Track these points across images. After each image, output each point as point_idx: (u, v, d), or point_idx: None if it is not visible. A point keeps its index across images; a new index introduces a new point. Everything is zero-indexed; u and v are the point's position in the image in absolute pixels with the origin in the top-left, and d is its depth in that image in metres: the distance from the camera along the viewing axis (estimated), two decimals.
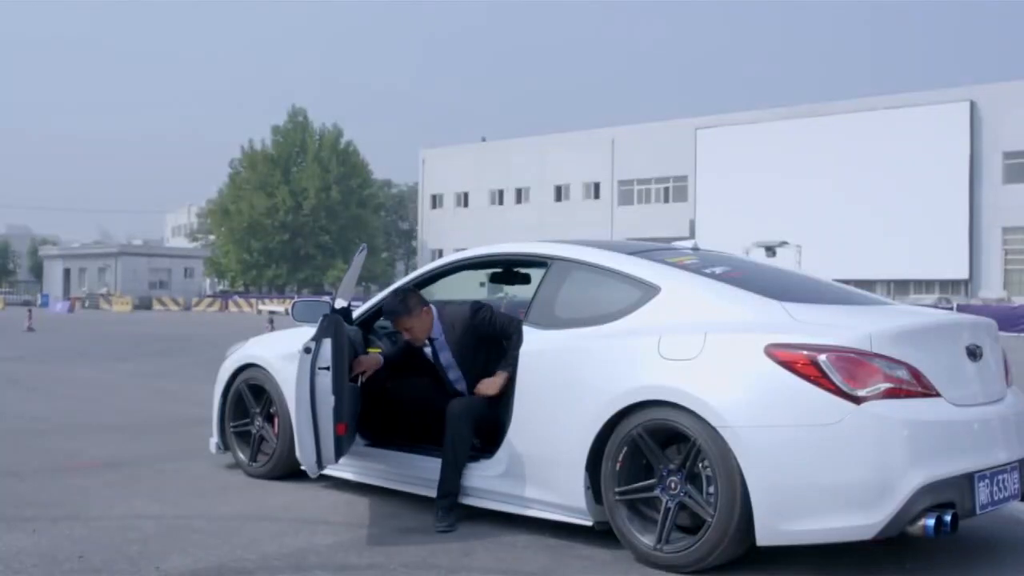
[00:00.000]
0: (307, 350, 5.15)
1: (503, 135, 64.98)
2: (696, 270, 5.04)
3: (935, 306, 31.44)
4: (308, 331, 6.48)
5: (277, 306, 58.13)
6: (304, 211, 77.07)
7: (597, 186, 69.36)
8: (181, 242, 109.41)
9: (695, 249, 5.66)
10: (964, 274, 53.85)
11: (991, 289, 52.65)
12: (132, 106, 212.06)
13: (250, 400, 6.76)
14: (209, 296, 75.03)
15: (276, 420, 6.57)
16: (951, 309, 32.30)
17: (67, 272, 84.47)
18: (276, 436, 6.55)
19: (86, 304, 70.16)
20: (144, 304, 68.69)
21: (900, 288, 53.32)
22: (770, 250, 38.85)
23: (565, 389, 4.88)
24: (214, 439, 7.04)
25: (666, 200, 66.37)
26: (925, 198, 53.11)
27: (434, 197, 78.74)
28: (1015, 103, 52.50)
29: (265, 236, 77.14)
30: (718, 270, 5.05)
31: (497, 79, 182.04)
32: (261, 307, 59.56)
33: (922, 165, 53.32)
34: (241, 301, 66.16)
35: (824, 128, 57.26)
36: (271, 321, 29.23)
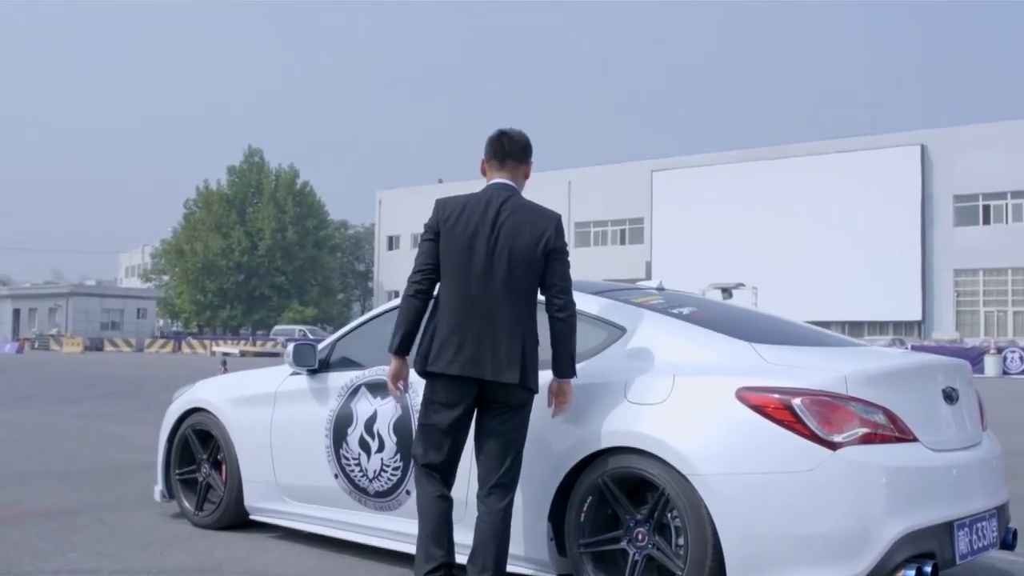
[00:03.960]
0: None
1: (460, 176, 64.83)
2: (662, 311, 4.85)
3: (890, 347, 31.54)
4: (258, 374, 6.27)
5: (231, 347, 57.52)
6: (259, 252, 76.71)
7: None
8: (135, 283, 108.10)
9: (660, 289, 5.48)
10: (917, 315, 54.35)
11: (944, 330, 53.14)
12: (87, 146, 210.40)
13: (197, 446, 6.49)
14: (162, 337, 74.03)
15: (224, 467, 6.29)
16: (905, 350, 32.43)
17: (17, 312, 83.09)
18: (224, 484, 6.27)
19: (36, 345, 68.95)
20: (95, 345, 67.56)
21: (854, 329, 53.67)
22: (726, 291, 38.86)
23: (528, 434, 4.66)
24: (159, 487, 6.75)
25: (622, 242, 66.67)
26: (879, 240, 53.71)
27: (390, 238, 78.58)
28: (964, 147, 53.43)
29: (220, 277, 76.65)
30: (685, 311, 4.86)
31: (454, 120, 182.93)
32: (215, 348, 58.78)
33: (875, 208, 53.97)
34: (194, 342, 65.32)
35: (778, 171, 57.86)
36: (224, 363, 28.68)
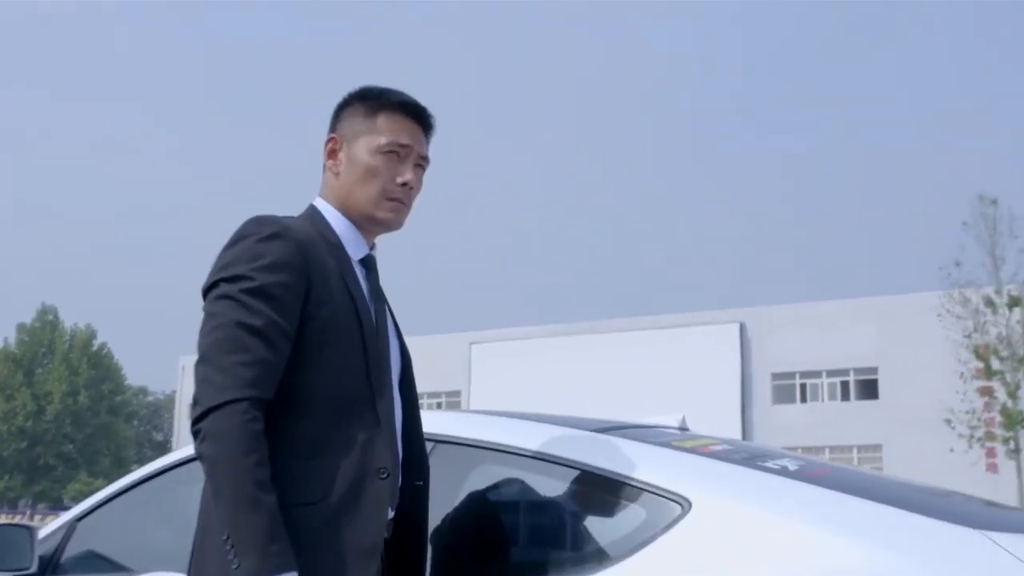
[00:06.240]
0: None
1: None
2: (749, 464, 2.38)
3: None
4: None
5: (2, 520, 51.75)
6: (47, 417, 71.32)
7: None
8: None
9: (683, 429, 3.05)
10: None
11: None
12: None
13: None
14: None
15: None
16: None
17: None
18: None
19: None
20: None
21: None
22: None
23: None
24: None
25: None
26: (700, 417, 50.08)
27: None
28: (780, 326, 54.23)
29: None
30: (790, 465, 2.42)
31: None
32: None
33: (696, 385, 53.64)
34: None
35: (599, 346, 57.30)
36: None
